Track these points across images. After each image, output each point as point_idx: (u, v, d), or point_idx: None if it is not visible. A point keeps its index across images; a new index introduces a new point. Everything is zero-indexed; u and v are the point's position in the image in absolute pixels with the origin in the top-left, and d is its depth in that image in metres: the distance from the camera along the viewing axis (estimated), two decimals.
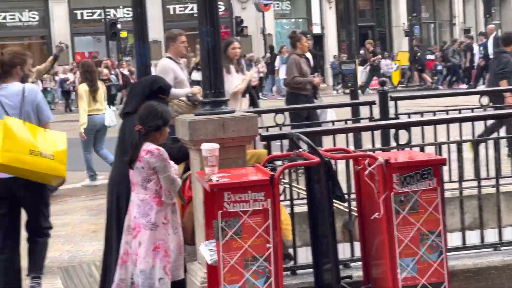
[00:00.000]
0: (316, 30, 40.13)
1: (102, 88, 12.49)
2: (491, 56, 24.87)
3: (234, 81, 9.84)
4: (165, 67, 9.01)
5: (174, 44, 9.21)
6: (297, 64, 11.18)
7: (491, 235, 5.97)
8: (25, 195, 6.06)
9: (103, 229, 5.93)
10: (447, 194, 6.18)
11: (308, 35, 12.37)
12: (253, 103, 10.31)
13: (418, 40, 36.45)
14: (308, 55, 11.81)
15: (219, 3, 35.04)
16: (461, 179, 5.97)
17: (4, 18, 34.99)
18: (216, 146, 4.79)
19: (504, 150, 9.17)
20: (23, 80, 6.54)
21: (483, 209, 5.95)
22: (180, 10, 36.60)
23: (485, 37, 27.45)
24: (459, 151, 5.86)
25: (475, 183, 6.00)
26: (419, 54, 34.15)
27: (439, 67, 32.63)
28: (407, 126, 5.78)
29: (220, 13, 33.05)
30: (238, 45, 10.16)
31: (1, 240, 6.11)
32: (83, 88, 12.04)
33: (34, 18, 35.50)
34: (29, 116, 6.02)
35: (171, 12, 36.39)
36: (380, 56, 32.75)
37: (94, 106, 11.94)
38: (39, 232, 6.32)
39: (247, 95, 10.13)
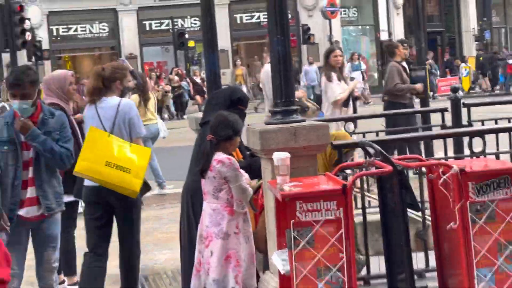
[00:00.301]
0: (384, 36, 39.78)
1: (153, 98, 12.60)
2: None
3: (336, 89, 9.88)
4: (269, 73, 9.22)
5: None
6: (398, 71, 11.05)
7: None
8: (115, 203, 6.22)
9: (174, 238, 5.97)
10: None
11: (405, 44, 12.21)
12: (355, 113, 10.38)
13: (482, 46, 35.86)
14: (404, 63, 11.66)
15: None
16: None
17: (76, 30, 35.70)
18: (287, 155, 4.77)
19: None
20: (123, 93, 6.72)
21: None
22: (247, 19, 36.76)
23: None
24: None
25: None
26: (481, 58, 33.61)
27: None
28: (481, 134, 5.66)
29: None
30: (340, 53, 10.24)
31: (95, 241, 6.28)
32: (135, 99, 12.14)
33: (104, 29, 36.13)
34: (120, 129, 6.22)
35: (238, 21, 36.57)
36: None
37: (147, 116, 12.02)
38: (127, 243, 6.41)
39: (350, 105, 10.09)
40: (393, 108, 10.67)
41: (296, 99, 9.01)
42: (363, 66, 32.45)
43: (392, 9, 39.61)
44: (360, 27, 40.12)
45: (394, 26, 39.75)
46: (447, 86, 30.15)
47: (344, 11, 37.58)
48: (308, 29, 31.98)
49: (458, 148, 6.88)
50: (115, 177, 6.00)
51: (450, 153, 7.07)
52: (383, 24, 39.92)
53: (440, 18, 44.11)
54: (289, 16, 24.90)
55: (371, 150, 5.05)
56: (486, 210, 4.64)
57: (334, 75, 9.94)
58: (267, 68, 9.46)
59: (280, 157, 4.75)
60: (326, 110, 9.88)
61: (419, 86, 11.08)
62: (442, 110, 8.01)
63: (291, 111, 5.32)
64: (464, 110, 8.12)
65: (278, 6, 5.29)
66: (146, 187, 6.38)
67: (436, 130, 7.64)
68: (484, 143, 5.77)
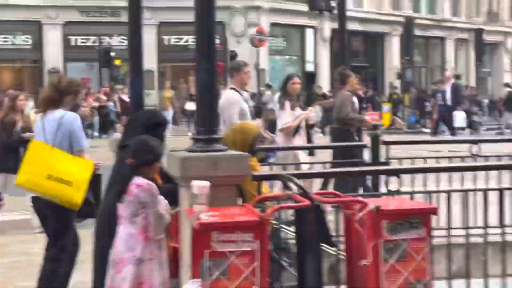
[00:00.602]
0: (309, 67, 40.33)
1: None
2: (449, 103, 25.14)
3: (285, 118, 9.78)
4: (231, 99, 9.03)
5: (238, 75, 9.20)
6: (350, 100, 10.98)
7: (477, 286, 5.93)
8: (48, 213, 6.42)
9: (85, 261, 5.89)
10: (434, 241, 6.15)
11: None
12: (310, 142, 10.19)
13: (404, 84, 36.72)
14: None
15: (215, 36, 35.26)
16: (449, 227, 5.96)
17: None
18: (206, 184, 4.76)
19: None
20: (74, 109, 6.76)
21: (470, 259, 5.94)
22: (175, 42, 36.72)
23: (443, 84, 27.77)
24: (449, 199, 5.85)
25: (463, 232, 5.99)
26: (395, 95, 34.44)
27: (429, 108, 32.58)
28: (398, 173, 5.77)
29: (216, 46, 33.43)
30: (298, 81, 10.11)
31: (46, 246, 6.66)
32: None
33: (27, 42, 35.53)
34: (61, 142, 6.29)
35: (166, 43, 36.50)
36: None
37: None
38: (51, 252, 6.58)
39: (302, 134, 9.94)
40: (343, 137, 10.54)
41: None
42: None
43: (319, 42, 40.23)
44: (287, 57, 40.57)
45: (321, 58, 40.36)
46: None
47: (272, 40, 37.96)
48: (236, 55, 32.15)
49: (376, 185, 6.98)
50: (56, 190, 6.13)
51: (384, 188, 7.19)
52: (309, 56, 40.49)
53: (365, 53, 45.00)
54: (218, 41, 24.88)
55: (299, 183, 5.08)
56: (398, 249, 4.73)
57: (287, 104, 9.85)
58: (228, 94, 9.29)
59: (200, 185, 4.74)
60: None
61: (369, 118, 11.14)
62: (362, 146, 8.13)
63: (213, 140, 5.32)
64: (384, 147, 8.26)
65: (206, 35, 5.32)
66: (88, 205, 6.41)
67: (356, 167, 7.72)
68: (400, 182, 5.87)
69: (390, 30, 44.46)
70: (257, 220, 4.52)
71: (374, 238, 4.72)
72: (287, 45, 40.23)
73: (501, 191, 5.90)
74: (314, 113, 10.45)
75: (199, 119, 5.35)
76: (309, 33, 40.13)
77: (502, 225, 5.87)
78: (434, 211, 4.88)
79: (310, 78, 38.49)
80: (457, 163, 7.91)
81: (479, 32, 40.50)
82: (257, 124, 10.15)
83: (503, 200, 5.87)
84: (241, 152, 5.36)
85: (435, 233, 5.78)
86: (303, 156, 9.71)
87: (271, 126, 9.82)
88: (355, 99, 11.22)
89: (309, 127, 10.19)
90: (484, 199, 6.03)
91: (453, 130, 27.46)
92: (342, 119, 10.79)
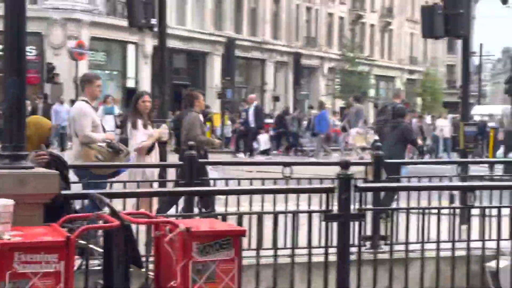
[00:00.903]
0: (130, 84, 40.04)
1: None
2: (252, 125, 25.73)
3: (139, 137, 9.61)
4: (84, 110, 8.90)
5: (90, 87, 9.09)
6: (200, 122, 10.95)
7: None
8: None
9: None
10: (245, 262, 6.23)
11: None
12: (163, 160, 10.14)
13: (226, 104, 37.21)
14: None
15: (31, 47, 33.92)
16: (259, 248, 6.06)
17: None
18: (11, 202, 4.57)
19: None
20: None
21: (278, 278, 6.07)
22: None
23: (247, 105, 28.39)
24: (259, 221, 5.95)
25: (272, 252, 6.11)
26: (210, 115, 34.93)
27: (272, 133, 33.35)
28: (210, 194, 5.80)
29: (32, 57, 32.22)
30: (149, 98, 9.93)
31: None
32: None
33: None
34: None
35: None
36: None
37: None
38: None
39: (154, 152, 9.81)
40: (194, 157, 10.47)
41: (108, 141, 8.84)
42: (116, 110, 31.70)
43: (141, 58, 40.05)
44: (107, 72, 40.05)
45: (142, 75, 40.18)
46: None
47: (92, 54, 37.36)
48: (53, 68, 31.32)
49: (189, 206, 6.97)
50: None
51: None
52: (131, 72, 40.21)
53: (187, 72, 45.30)
54: (34, 52, 23.94)
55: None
56: (207, 271, 4.74)
57: (140, 122, 9.73)
58: (80, 105, 9.05)
59: (3, 203, 4.53)
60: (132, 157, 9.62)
61: (218, 141, 11.11)
62: (178, 166, 8.11)
63: (20, 157, 5.12)
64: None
65: (16, 47, 5.11)
66: None
67: (168, 188, 7.69)
68: (213, 203, 5.91)
69: (212, 49, 45.06)
70: (62, 240, 4.38)
71: (183, 259, 4.71)
72: (108, 60, 39.76)
73: (310, 213, 6.07)
74: (167, 130, 10.35)
75: (6, 134, 5.13)
76: (130, 48, 39.88)
77: (309, 246, 6.04)
78: (243, 233, 4.94)
79: (130, 95, 38.17)
80: (269, 185, 8.07)
81: (297, 56, 41.86)
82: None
83: (311, 222, 6.04)
84: (50, 171, 5.19)
85: (246, 253, 5.88)
86: (153, 174, 9.66)
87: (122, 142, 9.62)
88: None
89: (163, 143, 10.28)
90: (293, 221, 6.19)
91: (251, 151, 27.78)
92: (192, 140, 10.80)
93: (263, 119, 29.53)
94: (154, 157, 9.92)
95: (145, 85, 40.22)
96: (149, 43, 39.01)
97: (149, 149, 9.82)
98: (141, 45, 39.65)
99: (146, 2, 12.75)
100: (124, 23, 19.60)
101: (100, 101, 30.00)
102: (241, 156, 25.35)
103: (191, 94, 11.55)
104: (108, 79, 39.86)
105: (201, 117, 11.40)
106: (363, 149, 24.82)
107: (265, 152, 28.63)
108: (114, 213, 4.80)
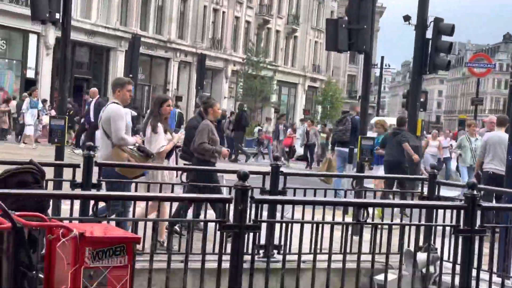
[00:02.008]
0: (30, 74, 39.14)
1: None
2: (92, 120, 23.82)
3: (161, 141, 9.56)
4: (120, 112, 9.00)
5: (121, 91, 9.19)
6: (210, 130, 10.73)
7: None
8: None
9: None
10: (138, 266, 6.21)
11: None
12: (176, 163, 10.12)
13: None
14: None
15: None
16: (152, 252, 6.06)
17: None
18: None
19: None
20: None
21: (171, 283, 6.08)
22: None
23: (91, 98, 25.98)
24: (154, 227, 5.95)
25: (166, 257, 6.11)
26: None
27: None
28: (105, 199, 5.76)
29: None
30: (171, 103, 9.95)
31: None
32: None
33: None
34: None
35: None
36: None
37: None
38: None
39: (173, 156, 9.83)
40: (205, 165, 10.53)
41: (137, 144, 8.71)
42: (40, 105, 29.81)
43: (43, 49, 39.21)
44: (7, 60, 39.03)
45: (42, 66, 39.34)
46: None
47: None
48: None
49: (85, 209, 6.90)
50: None
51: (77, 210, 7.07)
52: (31, 62, 39.30)
53: (90, 66, 44.64)
54: None
55: None
56: (99, 277, 4.71)
57: (161, 127, 9.65)
58: (115, 107, 9.05)
59: None
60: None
61: (225, 151, 10.94)
62: (75, 166, 8.01)
63: None
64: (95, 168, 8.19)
65: None
66: None
67: (64, 190, 7.56)
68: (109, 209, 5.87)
69: (116, 45, 44.55)
70: None
71: (75, 265, 4.66)
72: (9, 48, 38.75)
73: (206, 222, 6.09)
74: (183, 135, 10.33)
75: None
76: (32, 38, 38.98)
77: (203, 252, 6.08)
78: (137, 240, 4.93)
79: (29, 85, 37.36)
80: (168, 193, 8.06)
81: (202, 57, 41.82)
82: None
83: (207, 230, 6.07)
84: None
85: (139, 257, 5.87)
86: (173, 177, 9.71)
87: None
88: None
89: (176, 148, 10.35)
90: (188, 228, 6.19)
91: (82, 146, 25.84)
92: (196, 148, 10.76)
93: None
94: (173, 161, 10.09)
95: (46, 77, 39.44)
96: (52, 34, 38.24)
97: (168, 153, 9.88)
98: (43, 35, 38.82)
99: None
100: (27, 11, 19.17)
101: (25, 96, 28.95)
102: (79, 152, 23.41)
103: (207, 102, 11.48)
104: (7, 68, 38.87)
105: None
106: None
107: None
108: (5, 214, 4.71)
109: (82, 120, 25.66)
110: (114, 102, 9.27)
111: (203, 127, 10.93)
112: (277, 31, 64.88)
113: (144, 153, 8.98)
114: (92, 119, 23.11)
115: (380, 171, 15.75)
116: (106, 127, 9.11)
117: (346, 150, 17.02)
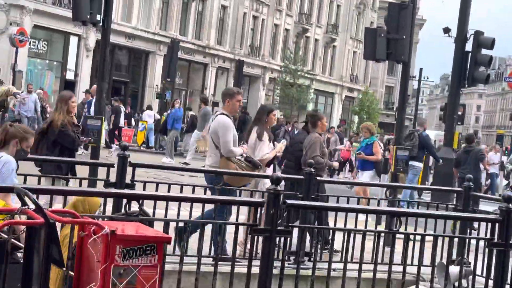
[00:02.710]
0: (70, 75, 39.54)
1: None
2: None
3: (264, 149, 9.68)
4: (228, 124, 9.13)
5: (230, 101, 9.30)
6: (320, 143, 10.87)
7: None
8: None
9: None
10: (167, 267, 6.22)
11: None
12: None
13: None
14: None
15: None
16: (183, 255, 6.07)
17: None
18: None
19: None
20: (19, 154, 6.84)
21: (200, 286, 6.08)
22: None
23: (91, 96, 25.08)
24: (185, 228, 5.95)
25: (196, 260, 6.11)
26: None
27: None
28: (139, 199, 5.77)
29: None
30: (275, 112, 10.14)
31: None
32: None
33: None
34: None
35: None
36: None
37: None
38: None
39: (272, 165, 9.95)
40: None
41: (244, 155, 8.87)
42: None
43: (83, 51, 39.59)
44: (47, 61, 39.47)
45: (82, 68, 39.72)
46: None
47: (34, 42, 36.79)
48: None
49: (117, 206, 6.93)
50: None
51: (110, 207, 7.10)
52: (71, 64, 39.69)
53: (128, 69, 44.97)
54: None
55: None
56: (128, 275, 4.71)
57: (266, 135, 9.76)
58: (224, 119, 9.17)
59: None
60: None
61: (336, 164, 11.04)
62: (109, 166, 8.05)
63: None
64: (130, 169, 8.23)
65: None
66: None
67: (99, 188, 7.60)
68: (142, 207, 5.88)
69: (155, 49, 44.83)
70: None
71: (105, 262, 4.67)
72: (49, 49, 39.18)
73: (237, 225, 6.10)
74: (285, 145, 10.44)
75: None
76: (73, 40, 39.39)
77: (234, 256, 6.06)
78: (168, 240, 4.93)
79: (68, 86, 37.78)
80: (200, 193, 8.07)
81: (240, 63, 41.91)
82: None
83: (237, 234, 6.07)
84: None
85: (169, 259, 5.87)
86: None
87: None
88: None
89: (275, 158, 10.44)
90: (219, 231, 6.20)
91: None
92: (307, 161, 10.58)
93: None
94: (271, 169, 10.14)
95: (85, 78, 39.80)
96: (92, 37, 38.62)
97: (269, 162, 10.00)
98: (84, 38, 39.21)
99: None
100: (69, 13, 19.33)
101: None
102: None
103: (315, 115, 11.58)
104: (47, 69, 39.30)
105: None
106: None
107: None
108: (39, 209, 4.74)
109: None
110: (223, 113, 9.34)
111: (314, 140, 10.93)
112: (316, 40, 64.82)
113: (251, 163, 9.10)
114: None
115: (363, 176, 15.20)
116: (215, 137, 9.21)
117: (420, 164, 16.93)
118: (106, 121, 25.62)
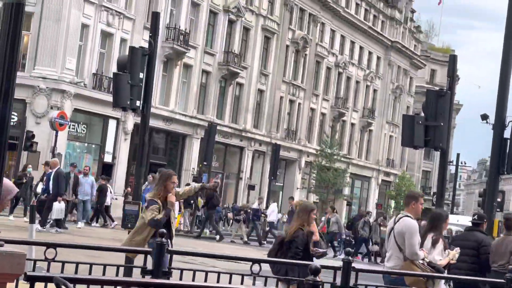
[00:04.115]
0: (107, 158, 40.01)
1: None
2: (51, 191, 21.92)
3: (436, 256, 9.58)
4: (415, 228, 9.14)
5: (415, 204, 9.32)
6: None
7: None
8: None
9: None
10: None
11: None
12: None
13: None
14: None
15: (13, 113, 33.84)
16: None
17: None
18: None
19: None
20: None
21: None
22: None
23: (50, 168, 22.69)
24: None
25: None
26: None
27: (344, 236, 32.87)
28: None
29: (13, 124, 32.15)
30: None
31: None
32: None
33: None
34: None
35: None
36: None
37: None
38: None
39: None
40: None
41: (426, 260, 8.93)
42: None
43: (121, 134, 40.15)
44: (86, 144, 40.05)
45: (120, 150, 40.19)
46: None
47: (73, 125, 37.42)
48: (33, 136, 31.26)
49: None
50: None
51: None
52: (109, 146, 40.21)
53: (165, 152, 45.39)
54: (15, 118, 23.79)
55: None
56: None
57: (441, 242, 9.75)
58: (411, 222, 9.20)
59: None
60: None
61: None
62: (146, 252, 8.01)
63: None
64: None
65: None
66: None
67: (136, 278, 7.55)
68: None
69: (192, 132, 45.31)
70: None
71: None
72: (88, 132, 39.80)
73: None
74: (458, 253, 10.08)
75: None
76: (112, 123, 40.00)
77: None
78: None
79: (106, 169, 38.21)
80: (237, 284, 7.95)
81: (276, 147, 42.15)
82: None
83: None
84: (17, 251, 5.10)
85: None
86: None
87: None
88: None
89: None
90: None
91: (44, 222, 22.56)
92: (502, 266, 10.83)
93: (63, 185, 23.14)
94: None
95: (122, 161, 40.23)
96: (131, 120, 39.19)
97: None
98: (122, 121, 39.81)
99: (133, 85, 12.83)
100: (108, 98, 19.73)
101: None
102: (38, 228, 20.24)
103: (510, 218, 11.56)
104: (85, 152, 39.83)
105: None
106: None
107: (58, 222, 22.74)
108: None
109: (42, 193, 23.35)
110: (407, 216, 9.34)
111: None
112: (352, 124, 65.08)
113: (435, 269, 9.09)
114: (51, 191, 21.81)
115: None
116: (400, 240, 9.19)
117: None
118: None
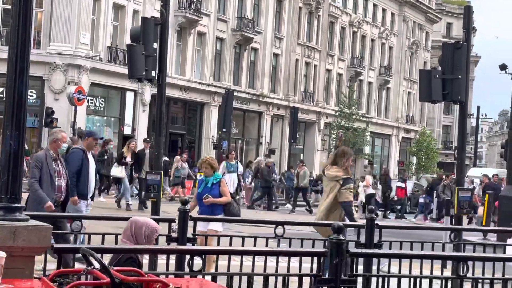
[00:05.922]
0: (127, 130, 40.14)
1: None
2: None
3: None
4: None
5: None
6: None
7: None
8: None
9: None
10: None
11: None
12: None
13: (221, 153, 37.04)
14: None
15: (32, 91, 33.82)
16: None
17: None
18: (2, 254, 4.56)
19: None
20: None
21: None
22: None
23: None
24: (250, 283, 5.93)
25: None
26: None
27: (421, 200, 32.87)
28: (201, 254, 5.79)
29: (31, 102, 32.30)
30: None
31: None
32: None
33: None
34: None
35: None
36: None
37: None
38: None
39: None
40: None
41: None
42: (240, 168, 29.18)
43: (139, 106, 40.23)
44: (105, 117, 40.19)
45: (139, 122, 40.30)
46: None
47: (91, 99, 37.53)
48: (52, 112, 31.42)
49: (180, 264, 6.94)
50: None
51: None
52: (128, 119, 40.33)
53: (184, 121, 45.46)
54: (34, 96, 23.94)
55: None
56: None
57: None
58: None
59: None
60: None
61: None
62: (170, 221, 8.09)
63: (14, 209, 5.13)
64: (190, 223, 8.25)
65: (17, 100, 5.15)
66: None
67: (160, 245, 7.63)
68: (204, 263, 5.89)
69: (209, 100, 45.29)
70: None
71: None
72: (107, 106, 39.92)
73: (301, 277, 6.05)
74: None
75: (2, 186, 5.15)
76: (129, 96, 40.08)
77: None
78: None
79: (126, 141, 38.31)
80: (261, 246, 8.04)
81: (294, 110, 42.05)
82: None
83: (302, 285, 6.03)
84: (44, 224, 5.18)
85: None
86: None
87: None
88: None
89: None
90: (283, 284, 6.17)
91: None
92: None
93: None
94: None
95: (142, 133, 40.34)
96: (148, 91, 39.26)
97: None
98: (140, 92, 39.88)
99: (147, 55, 12.85)
100: (124, 70, 19.75)
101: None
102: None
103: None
104: (105, 125, 40.00)
105: None
106: None
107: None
108: (104, 269, 4.79)
109: None
110: None
111: None
112: (369, 83, 64.75)
113: None
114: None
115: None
116: None
117: None
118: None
